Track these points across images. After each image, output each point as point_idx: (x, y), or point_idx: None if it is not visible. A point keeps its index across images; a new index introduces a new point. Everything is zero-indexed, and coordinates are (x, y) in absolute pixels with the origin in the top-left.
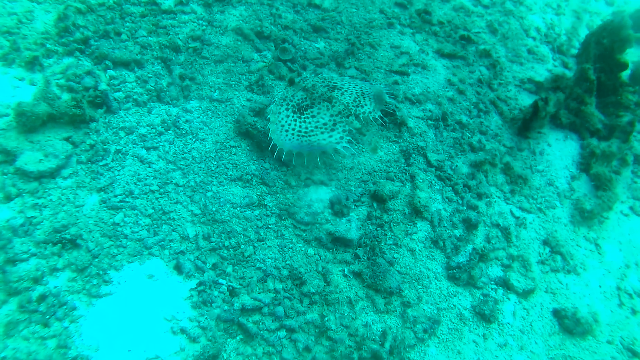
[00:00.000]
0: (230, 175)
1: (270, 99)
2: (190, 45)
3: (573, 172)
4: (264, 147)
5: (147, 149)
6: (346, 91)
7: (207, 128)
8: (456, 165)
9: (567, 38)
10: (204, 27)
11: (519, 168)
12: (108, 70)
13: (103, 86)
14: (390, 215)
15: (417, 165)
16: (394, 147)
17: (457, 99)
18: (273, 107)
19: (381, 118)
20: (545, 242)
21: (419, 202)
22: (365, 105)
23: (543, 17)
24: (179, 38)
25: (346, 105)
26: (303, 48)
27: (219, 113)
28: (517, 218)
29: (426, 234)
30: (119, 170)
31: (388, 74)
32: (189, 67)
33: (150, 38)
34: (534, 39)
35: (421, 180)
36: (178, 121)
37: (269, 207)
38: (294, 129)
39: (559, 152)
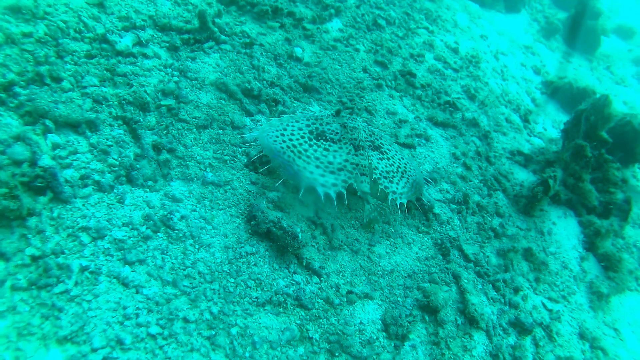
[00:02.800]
0: (255, 297)
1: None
2: (162, 103)
3: (581, 252)
4: (288, 252)
5: (131, 263)
6: (388, 159)
7: (210, 227)
8: (488, 257)
9: (524, 107)
10: (177, 79)
11: (541, 253)
12: (49, 135)
13: (47, 160)
14: (445, 329)
15: (456, 262)
16: (426, 239)
17: (467, 176)
18: (291, 116)
19: (408, 209)
20: (582, 336)
21: (475, 310)
22: (398, 185)
23: (496, 82)
24: (145, 91)
25: (372, 168)
26: (299, 111)
27: (220, 203)
28: (550, 311)
29: (484, 347)
30: (90, 302)
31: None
32: (164, 133)
33: (104, 89)
34: (506, 106)
35: (466, 281)
36: (171, 218)
37: (315, 340)
38: (290, 140)
39: (564, 231)
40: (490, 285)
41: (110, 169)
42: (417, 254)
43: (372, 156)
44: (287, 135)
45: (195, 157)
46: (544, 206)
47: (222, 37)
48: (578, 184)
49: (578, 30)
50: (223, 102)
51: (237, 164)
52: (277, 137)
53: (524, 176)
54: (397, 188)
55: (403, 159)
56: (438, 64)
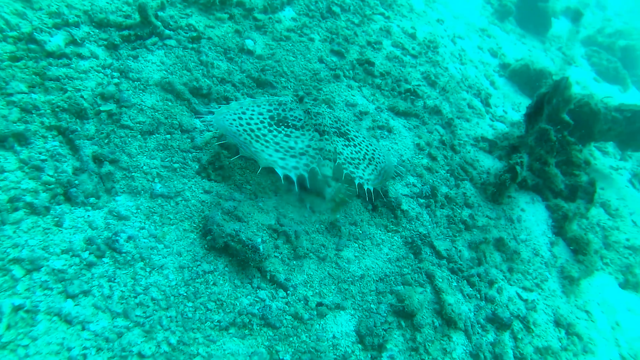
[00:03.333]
0: (217, 321)
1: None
2: (102, 109)
3: (551, 237)
4: (249, 266)
5: (73, 296)
6: (355, 145)
7: (161, 246)
8: (460, 251)
9: (484, 91)
10: (117, 81)
11: (512, 242)
12: None
13: None
14: (422, 334)
15: (429, 260)
16: (396, 238)
17: (433, 167)
18: (253, 100)
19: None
20: (557, 323)
21: (452, 310)
22: (365, 171)
23: (455, 67)
24: (82, 96)
25: (335, 153)
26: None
27: (171, 217)
28: (526, 301)
29: (464, 348)
30: (27, 347)
31: None
32: (105, 142)
33: (35, 96)
34: (467, 91)
35: (441, 280)
36: (117, 240)
37: None
38: (248, 124)
39: (533, 217)
40: (465, 281)
41: (45, 187)
42: (387, 255)
43: (337, 142)
44: (246, 119)
45: (142, 167)
46: (511, 193)
47: (167, 31)
48: (544, 168)
49: (530, 13)
50: (170, 103)
51: (188, 171)
52: (234, 119)
53: (489, 163)
54: (363, 174)
55: (371, 145)
56: (396, 50)
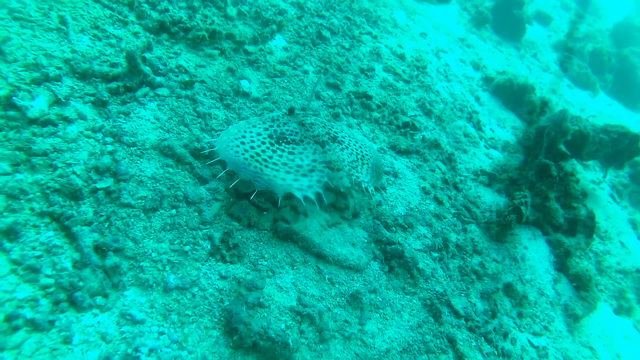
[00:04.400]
0: None
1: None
2: (98, 186)
3: (554, 274)
4: None
5: None
6: (347, 147)
7: (185, 352)
8: (475, 304)
9: (471, 109)
10: (111, 147)
11: (518, 284)
12: None
13: None
14: None
15: (448, 322)
16: (414, 301)
17: (441, 213)
18: (247, 121)
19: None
20: None
21: None
22: (361, 173)
23: (443, 86)
24: (74, 172)
25: (341, 161)
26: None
27: (189, 314)
28: (537, 348)
29: None
30: None
31: (365, 190)
32: (106, 227)
33: (20, 176)
34: (460, 117)
35: (462, 344)
36: (137, 357)
37: None
38: (252, 149)
39: (535, 254)
40: (483, 338)
41: (44, 292)
42: (408, 322)
43: (336, 149)
44: (248, 143)
45: (150, 255)
46: (514, 230)
47: (157, 78)
48: (545, 203)
49: (505, 20)
50: (171, 169)
51: (200, 253)
52: (237, 146)
53: (490, 198)
54: (365, 178)
55: (357, 142)
56: (389, 76)
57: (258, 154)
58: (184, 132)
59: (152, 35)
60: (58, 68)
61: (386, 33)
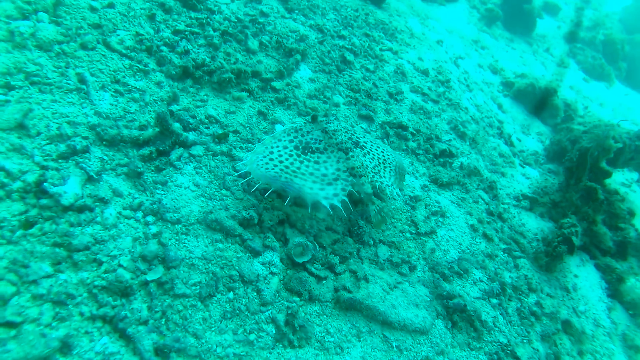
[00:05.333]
0: None
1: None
2: (148, 278)
3: (607, 302)
4: None
5: None
6: (368, 152)
7: None
8: (537, 350)
9: (504, 127)
10: (156, 229)
11: (574, 318)
12: None
13: None
14: None
15: None
16: (481, 356)
17: (492, 251)
18: (273, 136)
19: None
20: None
21: None
22: (384, 177)
23: (467, 98)
24: (121, 265)
25: (364, 168)
26: (314, 228)
27: None
28: None
29: None
30: None
31: (416, 236)
32: (163, 324)
33: (63, 276)
34: (493, 135)
35: None
36: None
37: None
38: (281, 162)
39: (586, 282)
40: None
41: None
42: None
43: (359, 155)
44: (276, 158)
45: (215, 351)
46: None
47: (190, 136)
48: (592, 227)
49: (516, 15)
50: (220, 245)
51: (265, 339)
52: (267, 163)
53: (534, 224)
54: (388, 181)
55: (379, 147)
56: (417, 97)
57: (287, 167)
58: (227, 197)
59: (176, 83)
60: (84, 138)
61: (405, 46)
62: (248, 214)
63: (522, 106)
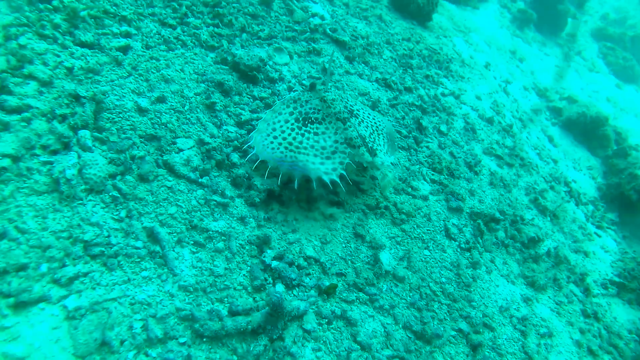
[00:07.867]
0: None
1: None
2: None
3: None
4: None
5: None
6: (363, 121)
7: None
8: None
9: (576, 190)
10: None
11: None
12: None
13: None
14: None
15: None
16: None
17: None
18: (273, 109)
19: None
20: None
21: None
22: (380, 144)
23: (524, 137)
24: None
25: (362, 137)
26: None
27: None
28: None
29: None
30: None
31: None
32: None
33: None
34: (566, 199)
35: None
36: None
37: None
38: (284, 139)
39: None
40: None
41: None
42: None
43: (356, 125)
44: (280, 135)
45: None
46: None
47: (294, 302)
48: None
49: (548, 16)
50: None
51: None
52: (271, 142)
53: (624, 315)
54: (383, 148)
55: (370, 115)
56: (491, 162)
57: (290, 143)
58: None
59: (262, 213)
60: (181, 336)
61: (460, 79)
62: None
63: (572, 136)
